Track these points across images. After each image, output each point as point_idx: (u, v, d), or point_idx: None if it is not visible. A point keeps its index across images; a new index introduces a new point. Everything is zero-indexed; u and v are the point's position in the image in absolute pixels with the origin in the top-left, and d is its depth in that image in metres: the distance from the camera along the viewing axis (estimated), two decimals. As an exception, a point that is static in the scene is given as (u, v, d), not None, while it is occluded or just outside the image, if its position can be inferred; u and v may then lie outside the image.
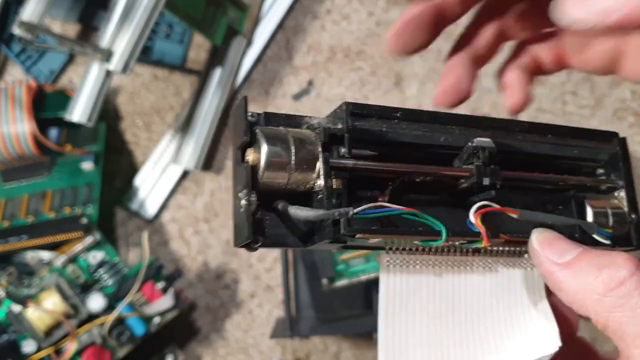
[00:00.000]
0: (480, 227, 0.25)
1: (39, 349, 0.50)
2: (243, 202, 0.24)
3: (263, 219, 0.24)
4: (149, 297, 0.53)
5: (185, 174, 0.63)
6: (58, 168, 0.58)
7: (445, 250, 0.26)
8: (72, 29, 0.65)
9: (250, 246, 0.24)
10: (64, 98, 0.59)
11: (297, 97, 0.63)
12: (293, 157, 0.24)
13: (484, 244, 0.25)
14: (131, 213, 0.62)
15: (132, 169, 0.63)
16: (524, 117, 0.31)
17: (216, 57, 0.62)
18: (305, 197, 0.25)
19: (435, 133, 0.27)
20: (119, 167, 0.63)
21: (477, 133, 0.27)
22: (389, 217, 0.24)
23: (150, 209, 0.62)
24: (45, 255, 0.54)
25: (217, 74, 0.62)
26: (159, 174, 0.62)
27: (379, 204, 0.24)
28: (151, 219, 0.62)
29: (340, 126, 0.26)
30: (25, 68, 0.63)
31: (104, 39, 0.51)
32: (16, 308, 0.50)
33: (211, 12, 0.59)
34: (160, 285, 0.53)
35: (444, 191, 0.27)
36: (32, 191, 0.57)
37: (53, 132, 0.59)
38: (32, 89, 0.57)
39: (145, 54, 0.63)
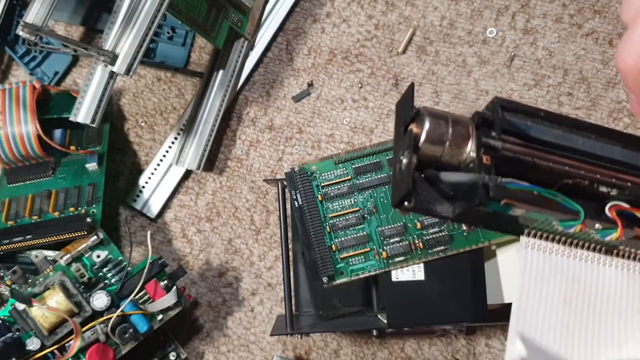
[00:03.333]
0: (615, 218, 0.28)
1: (43, 347, 0.51)
2: (405, 160, 0.28)
3: (417, 182, 0.28)
4: (152, 295, 0.53)
5: (187, 174, 0.63)
6: (62, 168, 0.59)
7: (580, 243, 0.29)
8: (76, 32, 0.66)
9: (404, 204, 0.27)
10: (68, 99, 0.60)
11: (297, 98, 0.64)
12: (450, 132, 0.28)
13: (618, 232, 0.28)
14: (135, 212, 0.63)
15: (136, 169, 0.63)
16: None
17: (218, 59, 0.63)
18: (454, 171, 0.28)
19: (574, 136, 0.30)
20: (122, 167, 0.63)
21: (607, 142, 0.30)
22: (530, 194, 0.28)
23: (154, 209, 0.62)
24: (50, 254, 0.55)
25: (219, 75, 0.62)
26: (162, 174, 0.62)
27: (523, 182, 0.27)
28: (154, 218, 0.63)
29: (491, 114, 0.29)
30: (29, 69, 0.63)
31: (108, 42, 0.52)
32: (20, 306, 0.51)
33: (213, 16, 0.59)
34: (163, 283, 0.53)
35: (574, 191, 0.29)
36: (37, 191, 0.58)
37: (57, 133, 0.60)
38: (37, 90, 0.58)
39: (148, 56, 0.63)
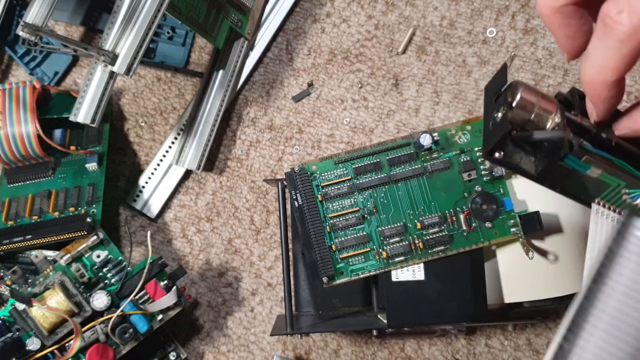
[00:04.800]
0: None
1: (43, 347, 0.51)
2: (499, 114, 0.32)
3: (507, 139, 0.32)
4: (152, 295, 0.53)
5: (187, 174, 0.63)
6: (62, 168, 0.59)
7: None
8: (76, 32, 0.66)
9: (495, 154, 0.32)
10: (68, 99, 0.60)
11: (297, 98, 0.64)
12: (538, 102, 0.32)
13: None
14: (135, 212, 0.63)
15: (136, 169, 0.63)
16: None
17: (218, 59, 0.63)
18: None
19: None
20: (122, 167, 0.63)
21: None
22: (605, 159, 0.32)
23: (154, 209, 0.62)
24: (50, 254, 0.55)
25: (219, 75, 0.62)
26: (162, 174, 0.63)
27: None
28: (154, 218, 0.63)
29: (571, 96, 0.34)
30: (29, 69, 0.63)
31: (108, 42, 0.52)
32: (20, 306, 0.51)
33: (213, 16, 0.59)
34: (163, 283, 0.53)
35: None
36: (37, 191, 0.58)
37: (57, 133, 0.60)
38: (37, 90, 0.58)
39: (148, 56, 0.63)
